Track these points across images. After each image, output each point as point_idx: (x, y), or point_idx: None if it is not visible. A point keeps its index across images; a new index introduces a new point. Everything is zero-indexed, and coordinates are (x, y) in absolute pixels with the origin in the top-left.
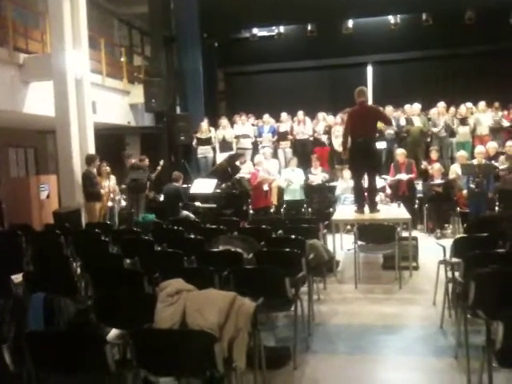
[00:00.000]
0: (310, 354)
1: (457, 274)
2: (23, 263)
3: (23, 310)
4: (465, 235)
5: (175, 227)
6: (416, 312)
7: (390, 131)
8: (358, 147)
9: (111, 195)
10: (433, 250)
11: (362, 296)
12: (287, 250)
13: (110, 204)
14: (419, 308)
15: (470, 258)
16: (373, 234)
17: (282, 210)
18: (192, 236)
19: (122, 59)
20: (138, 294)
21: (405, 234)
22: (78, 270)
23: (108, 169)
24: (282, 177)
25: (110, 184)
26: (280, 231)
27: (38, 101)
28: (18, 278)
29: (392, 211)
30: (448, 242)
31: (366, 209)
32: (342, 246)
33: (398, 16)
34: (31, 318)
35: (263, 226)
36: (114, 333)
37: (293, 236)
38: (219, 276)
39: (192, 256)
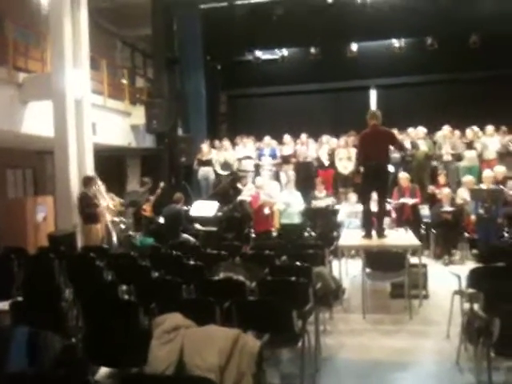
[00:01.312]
0: None
1: (475, 306)
2: (12, 290)
3: (6, 344)
4: (480, 265)
5: (174, 252)
6: (429, 346)
7: (395, 155)
8: (369, 170)
9: (108, 216)
10: (442, 278)
11: (371, 327)
12: (293, 279)
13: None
14: (432, 341)
15: (490, 290)
16: (381, 262)
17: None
18: (192, 262)
19: (124, 81)
20: (131, 328)
21: (412, 260)
22: (71, 297)
23: (103, 188)
24: (280, 199)
25: (107, 203)
26: (284, 257)
27: (36, 121)
28: (5, 305)
29: (400, 237)
30: (457, 269)
31: (373, 234)
32: (347, 271)
33: (403, 40)
34: (13, 354)
35: (266, 252)
36: (104, 371)
37: (298, 263)
38: (220, 308)
39: (191, 285)
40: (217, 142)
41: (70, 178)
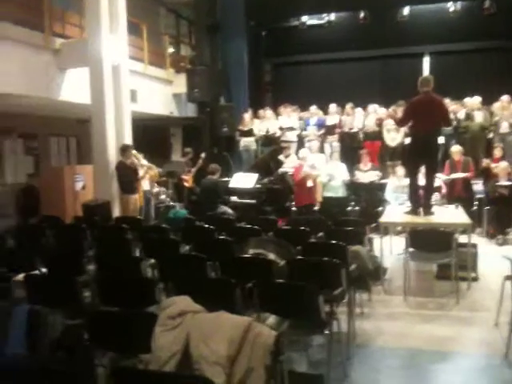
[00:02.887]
0: None
1: None
2: (36, 260)
3: (3, 325)
4: None
5: (206, 226)
6: (476, 335)
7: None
8: (418, 141)
9: (146, 186)
10: (494, 259)
11: (412, 311)
12: (325, 259)
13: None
14: (479, 330)
15: None
16: (427, 241)
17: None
18: (222, 237)
19: (167, 48)
20: (140, 312)
21: (462, 239)
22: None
23: (140, 158)
24: (323, 172)
25: (145, 175)
26: (321, 233)
27: (74, 88)
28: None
29: (449, 214)
30: (511, 249)
31: (420, 211)
32: (391, 249)
33: (458, 2)
34: (11, 336)
35: (302, 228)
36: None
37: (333, 241)
38: (242, 289)
39: (217, 261)
40: (260, 112)
41: (107, 146)
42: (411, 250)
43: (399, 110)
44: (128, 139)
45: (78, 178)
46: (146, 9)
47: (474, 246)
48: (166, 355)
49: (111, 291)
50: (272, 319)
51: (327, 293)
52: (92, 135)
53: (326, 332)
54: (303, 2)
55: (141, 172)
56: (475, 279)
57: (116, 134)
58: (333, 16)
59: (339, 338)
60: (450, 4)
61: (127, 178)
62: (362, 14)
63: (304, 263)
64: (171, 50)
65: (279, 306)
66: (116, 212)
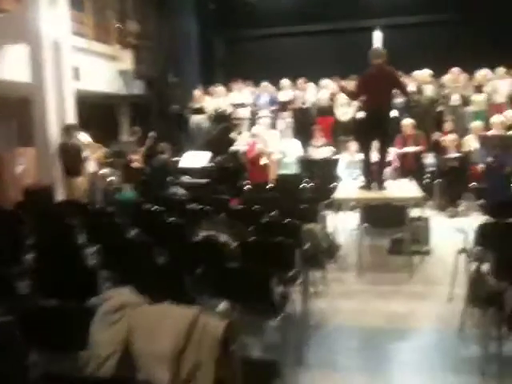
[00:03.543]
0: (302, 371)
1: (484, 266)
2: None
3: None
4: (489, 220)
5: (156, 208)
6: (430, 310)
7: (399, 99)
8: (371, 115)
9: (92, 168)
10: (446, 232)
11: (367, 288)
12: (278, 239)
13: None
14: (434, 305)
15: (501, 251)
16: (380, 216)
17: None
18: (173, 219)
19: (111, 22)
20: (77, 306)
21: (414, 212)
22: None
23: (86, 139)
24: (276, 149)
25: (90, 156)
26: (273, 213)
27: (13, 65)
28: None
29: (401, 188)
30: (463, 222)
31: (373, 185)
32: (344, 225)
33: None
34: None
35: (255, 207)
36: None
37: (287, 220)
38: (192, 274)
39: (166, 246)
40: (211, 88)
41: (49, 127)
42: (365, 225)
43: (350, 85)
44: (71, 119)
45: (19, 161)
46: None
47: (426, 219)
48: (105, 353)
49: (50, 283)
50: (224, 305)
51: (281, 274)
52: (32, 115)
53: (280, 315)
54: None
55: (86, 152)
56: (428, 253)
57: (58, 113)
58: None
59: (294, 319)
60: None
61: (71, 159)
62: None
63: (257, 245)
64: (117, 24)
65: (231, 290)
66: (60, 196)
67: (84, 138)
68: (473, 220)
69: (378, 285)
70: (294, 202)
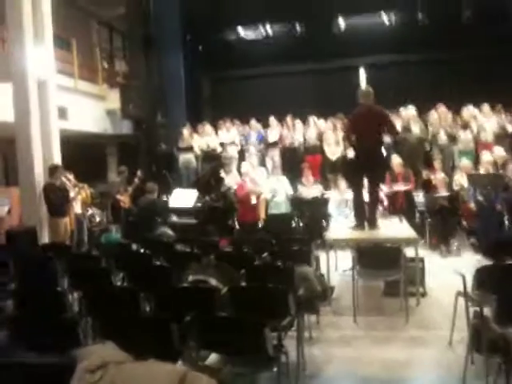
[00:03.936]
0: None
1: (485, 310)
2: None
3: None
4: (489, 263)
5: (142, 251)
6: (429, 357)
7: (386, 138)
8: (361, 154)
9: (78, 210)
10: (439, 271)
11: (363, 333)
12: (271, 285)
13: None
14: (433, 351)
15: (502, 295)
16: (374, 258)
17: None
18: (158, 263)
19: (98, 62)
20: (53, 363)
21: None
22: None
23: (72, 180)
24: (266, 187)
25: (76, 196)
26: (265, 254)
27: None
28: None
29: (394, 228)
30: (455, 261)
31: (365, 225)
32: (336, 265)
33: (392, 15)
34: None
35: (246, 250)
36: None
37: (279, 263)
38: (179, 324)
39: (152, 292)
40: (199, 127)
41: (33, 166)
42: (358, 267)
43: (338, 123)
44: (57, 159)
45: (3, 201)
46: (76, 22)
47: (422, 260)
48: None
49: (28, 333)
50: (214, 357)
51: (274, 323)
52: (17, 155)
53: (275, 367)
54: (237, 13)
55: (72, 193)
56: (423, 295)
57: (43, 153)
58: (269, 30)
59: (288, 368)
60: (384, 17)
61: (56, 200)
62: (298, 27)
63: (248, 290)
64: (105, 64)
65: (221, 342)
66: (45, 238)
67: (70, 178)
68: (466, 259)
69: (373, 330)
70: (285, 243)
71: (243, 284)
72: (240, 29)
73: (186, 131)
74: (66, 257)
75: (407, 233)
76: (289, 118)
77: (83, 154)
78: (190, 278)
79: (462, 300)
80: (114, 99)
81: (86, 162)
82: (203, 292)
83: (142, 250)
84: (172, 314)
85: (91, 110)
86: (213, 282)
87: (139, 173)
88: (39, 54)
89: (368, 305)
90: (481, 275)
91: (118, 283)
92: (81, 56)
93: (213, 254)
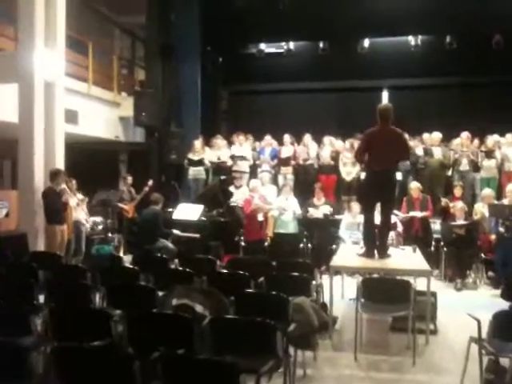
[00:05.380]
0: None
1: (503, 360)
2: None
3: None
4: (508, 310)
5: (131, 267)
6: None
7: (405, 162)
8: (375, 177)
9: (79, 216)
10: (453, 306)
11: (364, 374)
12: (258, 320)
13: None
14: None
15: None
16: (381, 291)
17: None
18: (142, 283)
19: (115, 69)
20: None
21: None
22: None
23: (74, 186)
24: (274, 205)
25: (77, 201)
26: (262, 279)
27: (4, 105)
28: None
29: (406, 258)
30: (471, 296)
31: (375, 253)
32: (342, 293)
33: (419, 37)
34: None
35: (241, 272)
36: None
37: (273, 293)
38: (143, 363)
39: (127, 316)
40: (212, 140)
41: (34, 170)
42: (363, 301)
43: (356, 143)
44: (60, 163)
45: (1, 204)
46: (96, 27)
47: (434, 294)
48: None
49: None
50: None
51: (255, 365)
52: (19, 157)
53: None
54: (262, 29)
55: (71, 201)
56: (434, 332)
57: (46, 157)
58: (292, 45)
59: None
60: (410, 38)
61: (55, 206)
62: (321, 45)
63: (231, 324)
64: (124, 71)
65: None
66: (41, 245)
67: (72, 184)
68: (482, 294)
69: (376, 371)
70: (286, 267)
71: (227, 316)
72: (262, 43)
73: (197, 143)
74: (52, 267)
75: (419, 264)
76: (307, 137)
77: (95, 161)
78: (174, 301)
79: (475, 346)
80: (128, 107)
81: (98, 169)
82: (182, 322)
83: (130, 267)
84: (141, 347)
85: (103, 115)
86: (198, 308)
87: (150, 182)
88: (49, 55)
89: (372, 340)
90: (498, 321)
91: (98, 300)
92: (97, 61)
93: (205, 276)
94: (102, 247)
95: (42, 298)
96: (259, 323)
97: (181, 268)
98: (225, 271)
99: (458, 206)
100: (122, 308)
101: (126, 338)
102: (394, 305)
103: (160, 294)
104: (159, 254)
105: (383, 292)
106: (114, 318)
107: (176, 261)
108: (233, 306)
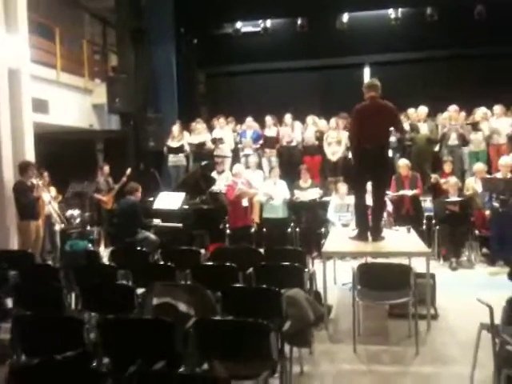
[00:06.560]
0: None
1: None
2: None
3: None
4: None
5: (107, 264)
6: None
7: (392, 138)
8: (365, 155)
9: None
10: (450, 287)
11: (364, 368)
12: (249, 320)
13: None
14: None
15: None
16: (379, 277)
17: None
18: (120, 283)
19: (85, 54)
20: None
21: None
22: None
23: (47, 179)
24: (261, 190)
25: (50, 198)
26: (250, 270)
27: None
28: None
29: (401, 239)
30: (468, 275)
31: (368, 235)
32: (335, 279)
33: (399, 10)
34: None
35: (228, 264)
36: None
37: (264, 286)
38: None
39: (102, 321)
40: (192, 124)
41: (2, 163)
42: (359, 287)
43: (341, 123)
44: (30, 155)
45: None
46: (63, 11)
47: (433, 276)
48: None
49: None
50: None
51: (248, 372)
52: None
53: None
54: (237, 7)
55: (46, 195)
56: (435, 317)
57: (14, 149)
58: (269, 23)
59: None
60: (390, 11)
61: (27, 200)
62: (299, 21)
63: (218, 326)
64: (96, 57)
65: None
66: (14, 242)
67: (43, 177)
68: (479, 272)
69: (377, 363)
70: (275, 257)
71: (214, 318)
72: (238, 22)
73: (176, 128)
74: (24, 267)
75: (416, 245)
76: (287, 117)
77: (71, 151)
78: (155, 301)
79: (485, 332)
80: (102, 94)
81: (74, 159)
82: (163, 327)
83: (106, 264)
84: (117, 357)
85: (76, 103)
86: (182, 307)
87: (128, 171)
88: (11, 40)
89: (370, 329)
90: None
91: (72, 303)
92: (66, 47)
93: (189, 269)
94: (75, 243)
95: (10, 303)
96: (251, 324)
97: (162, 262)
98: (210, 263)
99: (451, 182)
100: (98, 311)
101: (100, 347)
102: (393, 291)
103: (140, 292)
104: (140, 248)
105: (381, 278)
106: (87, 326)
107: (159, 252)
108: (220, 303)
